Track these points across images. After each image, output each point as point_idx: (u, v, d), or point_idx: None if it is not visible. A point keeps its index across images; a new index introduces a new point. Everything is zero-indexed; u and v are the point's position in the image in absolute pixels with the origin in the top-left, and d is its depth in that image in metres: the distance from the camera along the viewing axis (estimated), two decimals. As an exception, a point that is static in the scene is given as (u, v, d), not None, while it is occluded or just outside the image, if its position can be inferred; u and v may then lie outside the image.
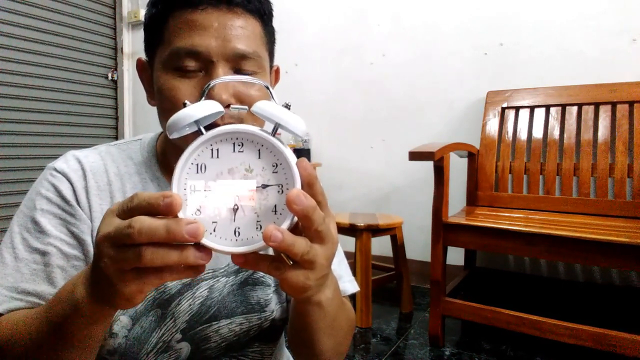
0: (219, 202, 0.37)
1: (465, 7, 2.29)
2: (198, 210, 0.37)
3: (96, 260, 0.37)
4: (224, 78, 0.46)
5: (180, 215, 0.36)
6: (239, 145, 0.38)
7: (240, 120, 0.55)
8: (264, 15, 0.60)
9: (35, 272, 0.55)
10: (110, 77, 3.25)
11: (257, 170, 0.38)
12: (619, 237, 1.38)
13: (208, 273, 0.62)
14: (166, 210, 0.34)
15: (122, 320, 0.58)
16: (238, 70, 0.57)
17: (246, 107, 0.42)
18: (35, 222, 0.57)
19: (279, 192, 0.37)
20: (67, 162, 0.61)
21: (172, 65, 0.56)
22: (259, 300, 0.64)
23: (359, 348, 1.76)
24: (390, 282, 2.12)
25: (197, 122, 0.39)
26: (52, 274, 0.55)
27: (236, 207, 0.37)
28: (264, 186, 0.37)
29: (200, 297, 0.61)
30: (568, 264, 2.05)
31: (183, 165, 0.38)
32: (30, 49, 2.77)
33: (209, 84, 0.43)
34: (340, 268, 0.70)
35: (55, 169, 0.60)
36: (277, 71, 0.69)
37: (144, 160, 0.65)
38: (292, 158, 0.37)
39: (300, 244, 0.36)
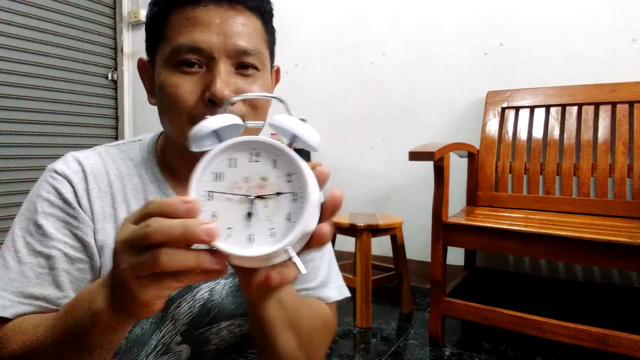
0: (234, 209, 0.38)
1: (465, 7, 2.29)
2: (214, 216, 0.38)
3: (114, 267, 0.37)
4: (242, 95, 0.47)
5: None
6: (256, 155, 0.39)
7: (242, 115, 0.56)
8: (265, 14, 0.60)
9: (41, 276, 0.55)
10: (110, 77, 3.25)
11: (272, 179, 0.39)
12: (619, 237, 1.38)
13: None
14: (186, 216, 0.35)
15: None
16: (240, 66, 0.57)
17: (262, 122, 0.43)
18: (38, 225, 0.56)
19: (293, 200, 0.38)
20: (67, 163, 0.60)
21: (173, 62, 0.56)
22: None
23: (359, 348, 1.76)
24: (390, 282, 2.12)
25: (216, 134, 0.40)
26: (58, 278, 0.55)
27: (250, 214, 0.38)
28: (278, 194, 0.38)
29: (200, 299, 0.61)
30: (568, 264, 2.05)
31: (202, 172, 0.39)
32: (30, 49, 2.77)
33: (230, 100, 0.45)
34: (330, 273, 0.69)
35: (56, 171, 0.59)
36: (278, 71, 0.69)
37: (144, 161, 0.64)
38: (306, 168, 0.38)
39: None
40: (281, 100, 0.43)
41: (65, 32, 2.95)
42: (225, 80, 0.54)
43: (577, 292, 2.00)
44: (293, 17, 2.73)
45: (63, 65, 2.95)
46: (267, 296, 0.49)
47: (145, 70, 0.63)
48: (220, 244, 0.36)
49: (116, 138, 3.30)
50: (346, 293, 0.71)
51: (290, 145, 0.40)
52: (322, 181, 0.38)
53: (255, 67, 0.58)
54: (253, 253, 0.36)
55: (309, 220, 0.37)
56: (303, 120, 0.40)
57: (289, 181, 0.38)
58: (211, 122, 0.40)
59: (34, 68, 2.79)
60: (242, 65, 0.57)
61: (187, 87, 0.55)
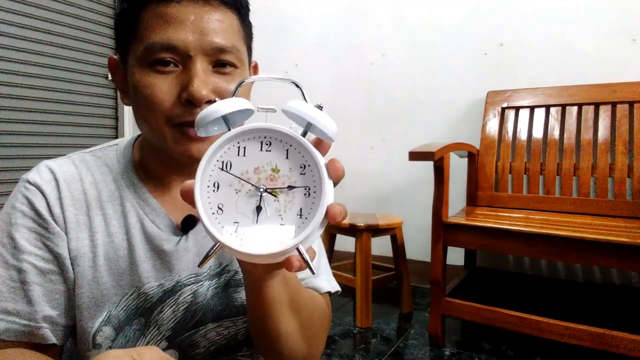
0: (241, 201, 0.36)
1: (465, 7, 2.29)
2: (220, 209, 0.36)
3: None
4: (257, 77, 0.44)
5: (201, 212, 0.35)
6: (267, 144, 0.36)
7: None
8: (241, 9, 0.58)
9: (14, 290, 0.54)
10: (110, 77, 3.25)
11: (284, 170, 0.36)
12: (619, 237, 1.38)
13: (191, 278, 0.61)
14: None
15: (104, 331, 0.57)
16: (217, 64, 0.55)
17: (274, 107, 0.40)
18: (11, 238, 0.56)
19: (305, 195, 0.35)
20: (40, 173, 0.59)
21: (147, 62, 0.54)
22: (242, 302, 0.63)
23: (359, 348, 1.76)
24: (390, 282, 2.12)
25: (225, 118, 0.38)
26: (29, 292, 0.55)
27: (259, 207, 0.36)
28: (290, 187, 0.36)
29: (184, 302, 0.60)
30: (568, 264, 2.05)
31: (208, 161, 0.36)
32: (30, 49, 2.76)
33: (242, 81, 0.41)
34: (319, 265, 0.69)
35: (29, 181, 0.58)
36: (256, 67, 0.68)
37: (121, 167, 0.63)
38: (321, 160, 0.36)
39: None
40: (297, 85, 0.40)
41: (65, 32, 2.95)
42: (202, 80, 0.53)
43: (577, 292, 2.00)
44: (293, 18, 2.72)
45: (63, 65, 2.95)
46: (273, 273, 0.47)
47: (117, 69, 0.61)
48: (225, 240, 0.34)
49: (116, 137, 3.29)
50: (336, 287, 0.70)
51: (304, 134, 0.37)
52: (336, 177, 0.36)
53: (233, 65, 0.56)
54: (260, 251, 0.34)
55: (322, 217, 0.34)
56: (319, 107, 0.37)
57: (302, 174, 0.36)
58: (221, 106, 0.37)
59: (34, 68, 2.79)
60: (220, 63, 0.55)
61: (163, 87, 0.53)
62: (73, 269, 0.57)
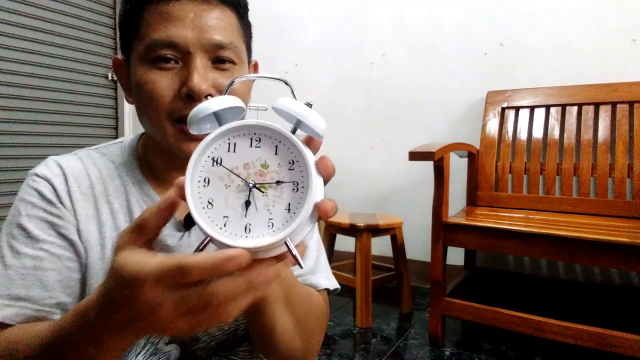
0: (231, 196, 0.36)
1: (465, 7, 2.29)
2: (210, 203, 0.36)
3: (141, 306, 0.33)
4: (249, 76, 0.45)
5: (192, 207, 0.36)
6: (257, 141, 0.37)
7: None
8: (240, 8, 0.60)
9: (25, 277, 0.54)
10: (110, 77, 3.25)
11: (272, 166, 0.37)
12: (619, 237, 1.38)
13: None
14: (169, 210, 0.36)
15: None
16: (216, 60, 0.56)
17: (265, 105, 0.41)
18: (22, 228, 0.56)
19: (293, 189, 0.36)
20: (49, 168, 0.60)
21: (148, 58, 0.55)
22: None
23: (359, 348, 1.76)
24: (390, 282, 2.12)
25: (216, 116, 0.38)
26: (44, 278, 0.55)
27: (248, 202, 0.36)
28: (279, 183, 0.36)
29: None
30: (568, 264, 2.05)
31: (199, 157, 0.37)
32: (30, 49, 2.76)
33: (233, 80, 0.42)
34: (318, 263, 0.69)
35: (37, 174, 0.59)
36: (256, 66, 0.69)
37: (125, 164, 0.64)
38: (309, 156, 0.37)
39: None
40: (286, 83, 0.41)
41: (65, 32, 2.95)
42: (202, 75, 0.54)
43: (577, 292, 2.00)
44: (293, 18, 2.72)
45: (63, 65, 2.95)
46: None
47: (121, 69, 0.63)
48: (215, 233, 0.35)
49: (116, 137, 3.28)
50: (335, 284, 0.70)
51: (294, 131, 0.38)
52: (326, 174, 0.37)
53: (232, 61, 0.57)
54: (247, 244, 0.35)
55: (310, 211, 0.35)
56: (309, 104, 0.38)
57: (290, 169, 0.36)
58: (213, 103, 0.38)
59: (34, 68, 2.79)
60: (219, 59, 0.56)
61: (164, 83, 0.55)
62: (86, 259, 0.58)
